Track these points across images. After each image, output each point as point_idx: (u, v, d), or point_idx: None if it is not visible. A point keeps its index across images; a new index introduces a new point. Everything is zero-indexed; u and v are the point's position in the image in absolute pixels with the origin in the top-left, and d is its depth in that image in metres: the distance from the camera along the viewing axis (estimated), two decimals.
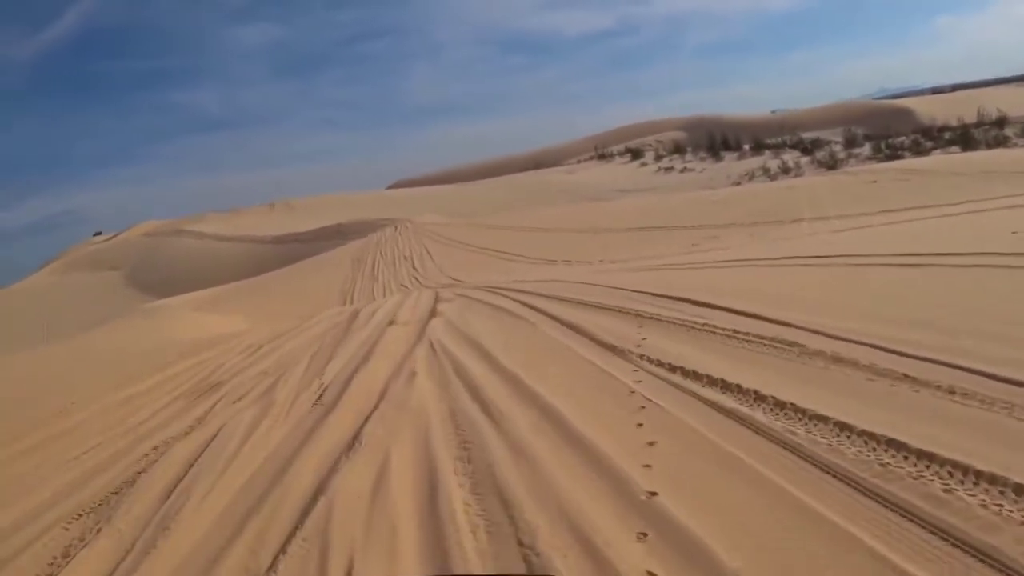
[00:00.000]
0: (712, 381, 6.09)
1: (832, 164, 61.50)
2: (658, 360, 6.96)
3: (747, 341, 6.98)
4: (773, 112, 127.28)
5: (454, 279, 22.99)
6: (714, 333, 7.47)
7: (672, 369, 6.64)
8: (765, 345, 6.72)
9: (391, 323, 11.55)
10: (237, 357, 11.25)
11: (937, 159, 39.54)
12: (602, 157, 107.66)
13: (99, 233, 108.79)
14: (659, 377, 6.56)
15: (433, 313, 11.94)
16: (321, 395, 7.93)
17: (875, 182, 28.90)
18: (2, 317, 64.82)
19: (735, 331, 7.33)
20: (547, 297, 11.37)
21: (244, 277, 46.11)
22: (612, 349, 7.69)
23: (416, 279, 24.99)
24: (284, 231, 67.32)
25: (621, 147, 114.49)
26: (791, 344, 6.54)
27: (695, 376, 6.32)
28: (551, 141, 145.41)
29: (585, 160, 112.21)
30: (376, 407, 7.17)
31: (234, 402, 8.47)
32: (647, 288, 10.10)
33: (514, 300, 11.78)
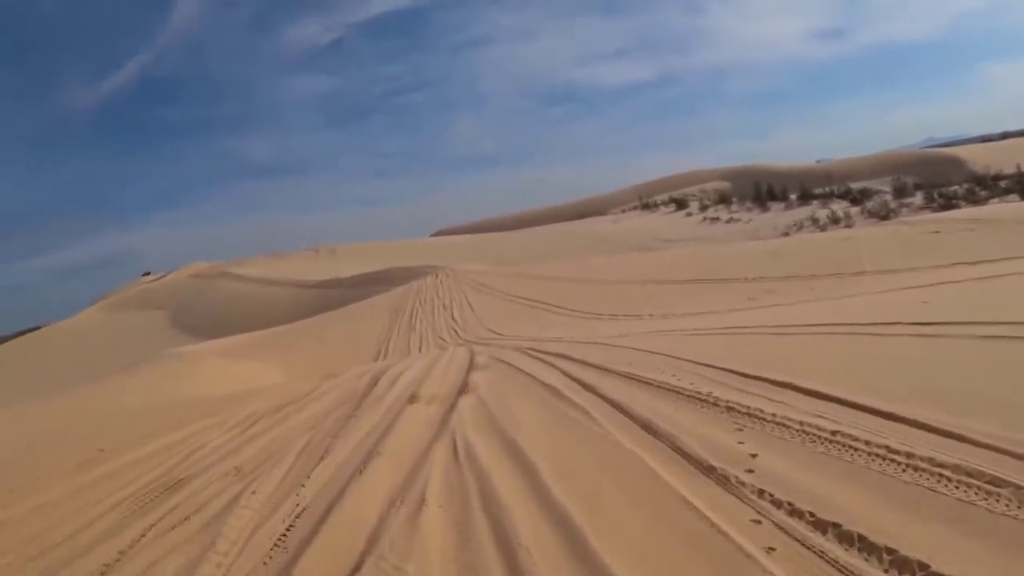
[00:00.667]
0: (899, 562, 3.54)
1: (884, 214, 59.60)
2: (789, 504, 4.37)
3: (915, 469, 4.42)
4: (818, 161, 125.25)
5: (493, 332, 21.65)
6: (855, 450, 4.88)
7: (816, 524, 4.08)
8: (948, 481, 4.19)
9: (412, 399, 9.43)
10: (224, 436, 9.30)
11: (999, 208, 37.46)
12: (646, 207, 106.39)
13: (148, 273, 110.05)
14: (798, 538, 4.00)
15: (464, 387, 9.77)
16: (288, 529, 5.43)
17: (938, 232, 27.08)
18: (44, 355, 65.10)
19: (888, 451, 4.72)
20: (602, 370, 9.21)
21: (285, 321, 45.40)
22: (710, 473, 5.11)
23: (454, 331, 23.68)
24: (327, 276, 66.88)
25: (665, 197, 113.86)
26: (996, 484, 4.02)
27: (861, 545, 3.79)
28: (594, 191, 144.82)
29: (629, 210, 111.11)
30: (357, 570, 4.59)
31: (172, 528, 5.93)
32: (728, 363, 7.92)
33: (562, 372, 9.74)
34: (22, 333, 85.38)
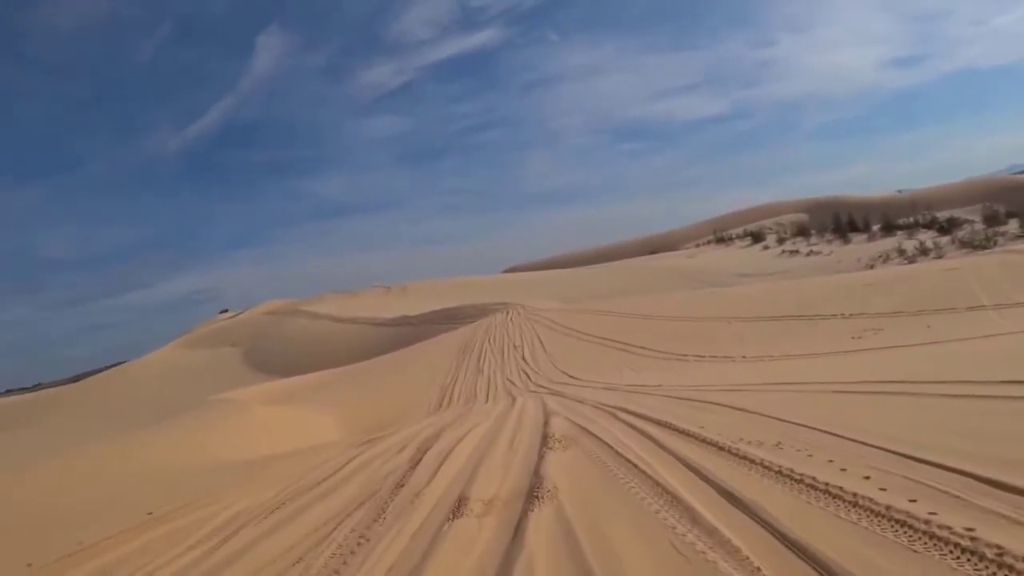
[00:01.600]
0: None
1: (978, 243, 56.32)
2: None
3: None
4: (899, 192, 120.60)
5: (568, 375, 19.74)
6: None
7: None
8: None
9: (459, 506, 6.40)
10: (186, 556, 6.63)
11: None
12: (721, 241, 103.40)
13: (225, 310, 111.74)
14: None
15: (536, 486, 6.62)
16: None
17: None
18: (118, 391, 65.64)
19: None
20: (730, 455, 6.41)
21: (355, 359, 44.41)
22: None
23: (525, 373, 21.81)
24: (398, 314, 66.00)
25: (740, 230, 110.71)
26: None
27: None
28: (665, 226, 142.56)
29: (703, 244, 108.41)
30: None
31: None
32: (930, 452, 5.16)
33: (672, 455, 6.91)
34: (108, 368, 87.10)
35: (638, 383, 14.75)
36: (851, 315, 23.05)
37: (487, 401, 17.11)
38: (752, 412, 8.09)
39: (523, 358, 25.44)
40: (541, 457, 7.80)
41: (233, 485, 9.98)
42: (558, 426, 9.67)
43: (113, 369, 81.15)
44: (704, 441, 7.12)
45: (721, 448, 6.70)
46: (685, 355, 20.51)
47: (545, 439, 8.90)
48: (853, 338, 18.92)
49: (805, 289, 33.22)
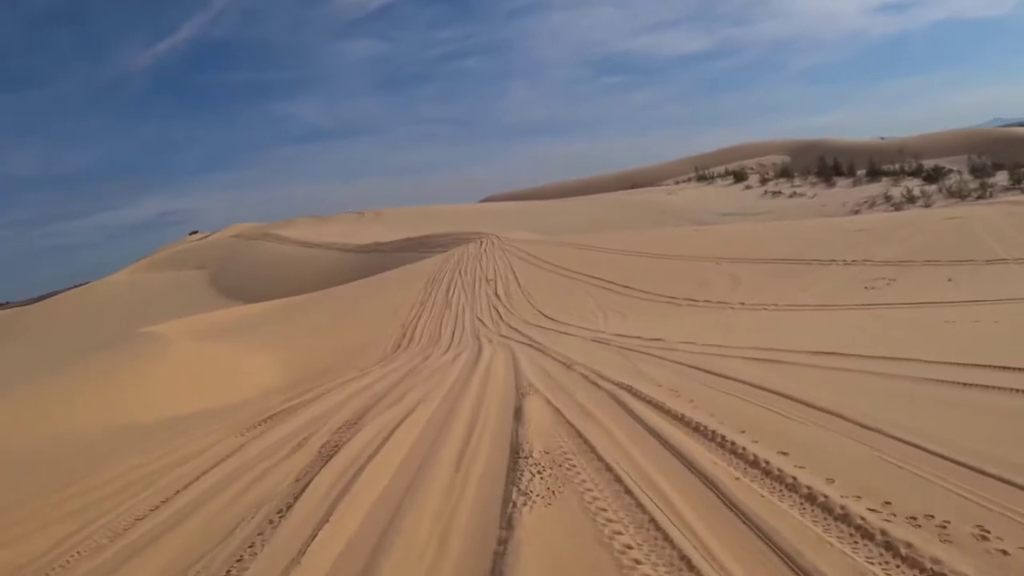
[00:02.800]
0: None
1: (967, 194, 55.18)
2: None
3: None
4: (882, 139, 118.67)
5: (546, 316, 17.44)
6: None
7: None
8: None
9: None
10: None
11: None
12: (702, 179, 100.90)
13: (195, 232, 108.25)
14: None
15: (504, 531, 4.26)
16: None
17: None
18: (77, 314, 62.76)
19: None
20: (783, 485, 4.42)
21: (322, 285, 42.06)
22: None
23: (496, 311, 19.47)
24: (370, 240, 63.26)
25: (721, 169, 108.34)
26: None
27: None
28: (645, 162, 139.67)
29: (683, 182, 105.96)
30: None
31: None
32: None
33: (690, 467, 4.95)
34: (72, 288, 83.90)
35: (631, 333, 12.43)
36: (852, 262, 20.95)
37: (449, 347, 14.73)
38: (831, 412, 5.71)
39: (495, 293, 23.09)
40: (508, 513, 4.52)
41: (61, 486, 7.44)
42: (536, 422, 6.67)
43: (75, 290, 77.74)
44: (737, 453, 4.66)
45: (761, 468, 4.28)
46: (674, 298, 18.24)
47: (516, 455, 5.67)
48: (866, 288, 16.81)
49: (797, 231, 31.06)
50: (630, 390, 7.54)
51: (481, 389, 8.78)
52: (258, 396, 12.35)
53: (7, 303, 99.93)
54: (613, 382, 8.10)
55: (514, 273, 26.96)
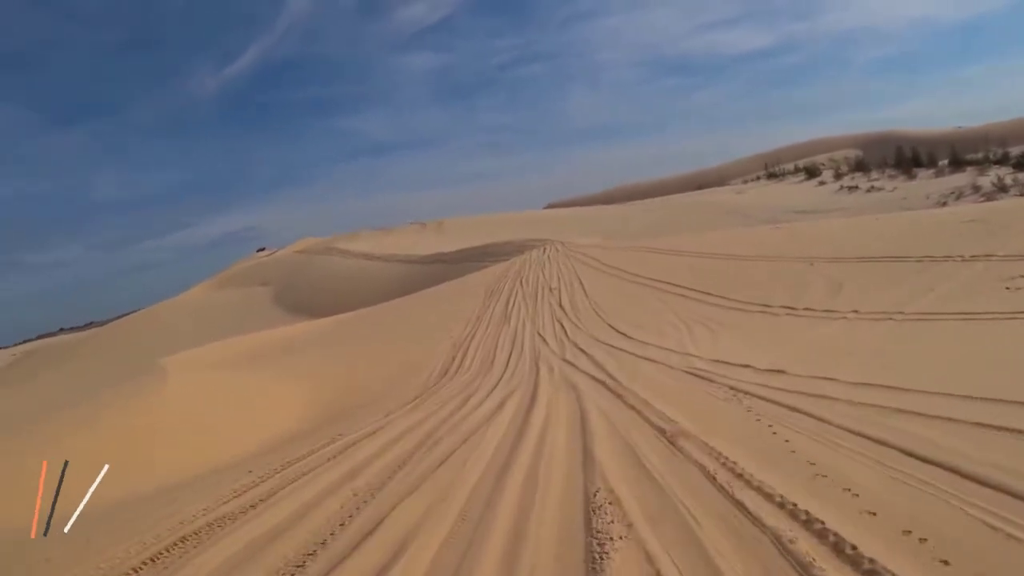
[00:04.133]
0: None
1: None
2: None
3: None
4: (958, 127, 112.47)
5: (619, 333, 14.85)
6: None
7: None
8: None
9: None
10: None
11: None
12: (772, 176, 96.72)
13: (263, 248, 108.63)
14: None
15: None
16: None
17: None
18: (149, 331, 62.49)
19: None
20: None
21: (387, 298, 40.34)
22: None
23: (561, 326, 16.94)
24: (432, 251, 61.62)
25: (791, 166, 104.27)
26: None
27: None
28: (710, 162, 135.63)
29: (752, 180, 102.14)
30: None
31: None
32: None
33: None
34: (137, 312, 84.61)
35: (734, 360, 9.70)
36: (972, 257, 17.70)
37: (499, 381, 12.16)
38: None
39: (559, 304, 20.57)
40: None
41: None
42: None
43: (140, 313, 78.07)
44: None
45: None
46: (768, 306, 15.39)
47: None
48: (1007, 288, 13.69)
49: (893, 226, 27.69)
50: (810, 524, 4.36)
51: (524, 497, 5.63)
52: (256, 454, 10.05)
53: (90, 323, 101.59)
54: (764, 491, 4.94)
55: (580, 281, 24.39)
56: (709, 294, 17.76)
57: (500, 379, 11.83)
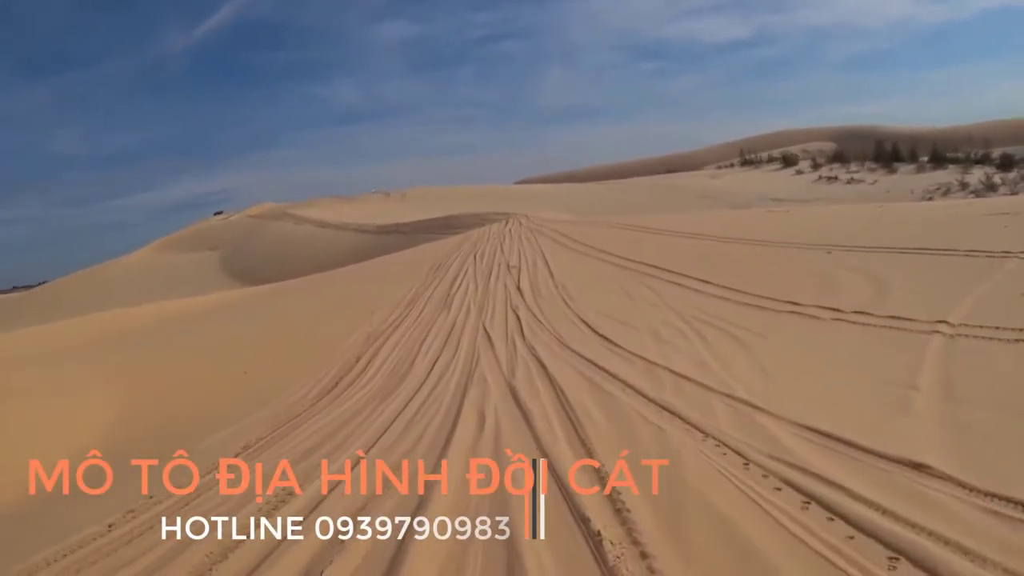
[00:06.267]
0: None
1: None
2: None
3: None
4: (934, 127, 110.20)
5: (594, 332, 10.18)
6: None
7: None
8: None
9: None
10: None
11: None
12: (748, 163, 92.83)
13: (220, 212, 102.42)
14: None
15: None
16: None
17: None
18: (83, 292, 57.03)
19: None
20: None
21: (334, 267, 35.51)
22: None
23: (516, 317, 12.20)
24: (390, 221, 56.65)
25: (766, 155, 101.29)
26: None
27: None
28: (684, 148, 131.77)
29: (726, 167, 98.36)
30: None
31: None
32: None
33: None
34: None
35: (827, 420, 5.07)
36: (1007, 253, 13.41)
37: (399, 416, 7.36)
38: None
39: (518, 288, 15.87)
40: None
41: None
42: None
43: (84, 272, 71.72)
44: None
45: None
46: (799, 304, 10.72)
47: None
48: None
49: (911, 216, 23.43)
50: None
51: None
52: None
53: (43, 282, 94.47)
54: None
55: (545, 259, 19.70)
56: (713, 283, 13.13)
57: (395, 418, 7.06)
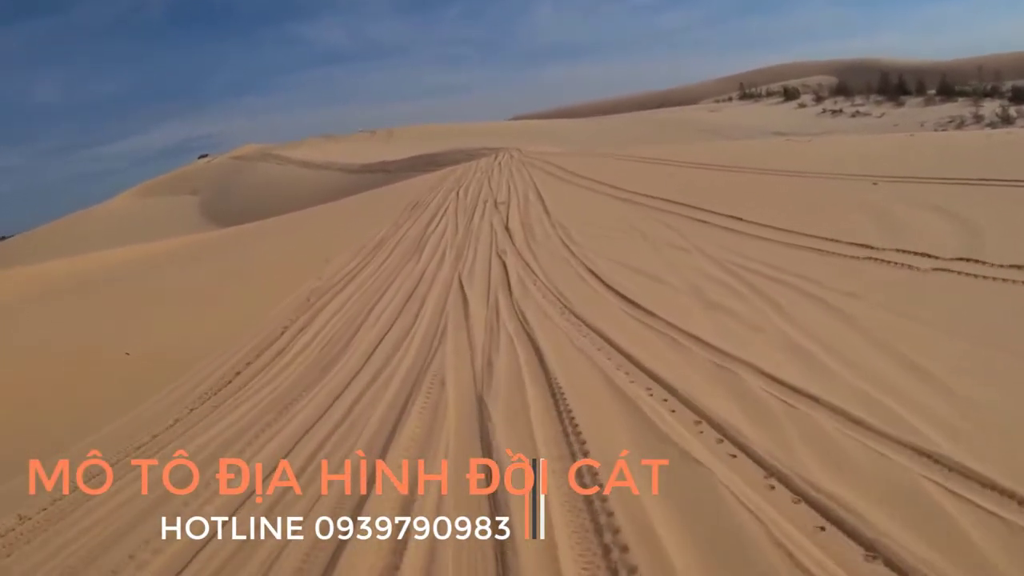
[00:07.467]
0: None
1: None
2: None
3: None
4: (940, 61, 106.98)
5: (604, 285, 7.39)
6: None
7: None
8: None
9: None
10: None
11: None
12: (747, 97, 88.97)
13: (205, 155, 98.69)
14: None
15: None
16: None
17: None
18: (62, 241, 54.02)
19: None
20: None
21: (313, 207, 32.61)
22: None
23: (502, 265, 9.40)
24: (377, 159, 53.43)
25: (764, 89, 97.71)
26: None
27: None
28: (679, 83, 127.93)
29: (724, 101, 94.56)
30: None
31: None
32: None
33: None
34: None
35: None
36: None
37: (336, 402, 4.60)
38: None
39: (506, 227, 13.05)
40: None
41: None
42: None
43: (66, 219, 68.26)
44: None
45: None
46: (869, 246, 7.93)
47: None
48: None
49: (948, 144, 20.57)
50: None
51: None
52: None
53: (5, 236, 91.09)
54: None
55: (539, 194, 16.83)
56: (746, 220, 10.30)
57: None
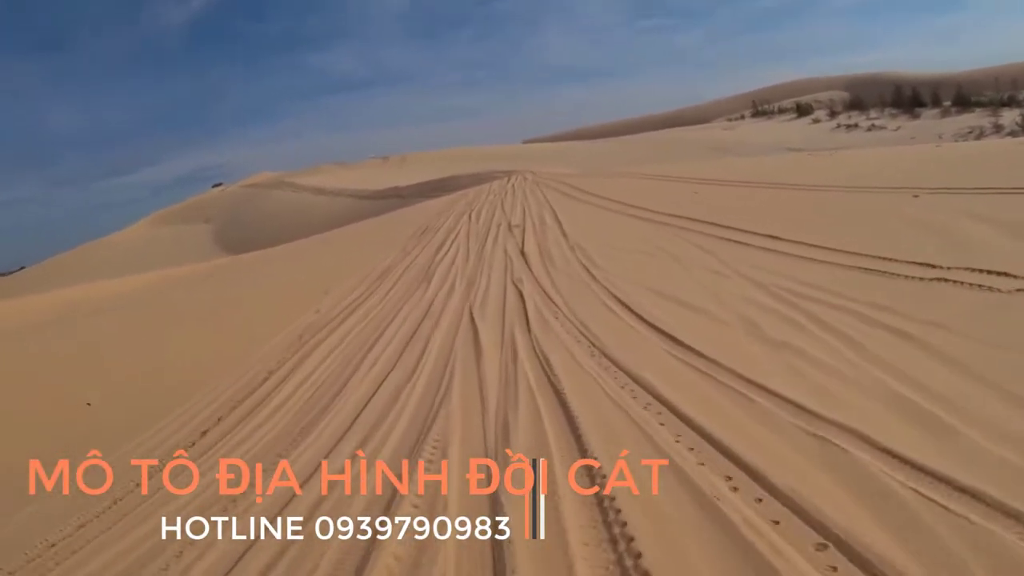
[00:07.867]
0: None
1: None
2: None
3: None
4: (953, 72, 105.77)
5: (658, 332, 6.32)
6: None
7: None
8: None
9: None
10: None
11: None
12: (760, 114, 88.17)
13: (219, 184, 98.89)
14: None
15: None
16: None
17: None
18: (74, 270, 53.56)
19: None
20: None
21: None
22: None
23: (519, 295, 8.43)
24: (389, 185, 53.00)
25: (775, 106, 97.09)
26: None
27: None
28: (690, 103, 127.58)
29: (736, 119, 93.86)
30: None
31: None
32: None
33: None
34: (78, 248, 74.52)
35: None
36: None
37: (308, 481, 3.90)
38: None
39: (522, 251, 12.11)
40: None
41: None
42: None
43: (75, 251, 68.01)
44: None
45: None
46: (934, 265, 6.88)
47: None
48: None
49: (976, 152, 19.62)
50: None
51: None
52: None
53: (22, 267, 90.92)
54: None
55: (554, 215, 15.94)
56: (785, 239, 9.29)
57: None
